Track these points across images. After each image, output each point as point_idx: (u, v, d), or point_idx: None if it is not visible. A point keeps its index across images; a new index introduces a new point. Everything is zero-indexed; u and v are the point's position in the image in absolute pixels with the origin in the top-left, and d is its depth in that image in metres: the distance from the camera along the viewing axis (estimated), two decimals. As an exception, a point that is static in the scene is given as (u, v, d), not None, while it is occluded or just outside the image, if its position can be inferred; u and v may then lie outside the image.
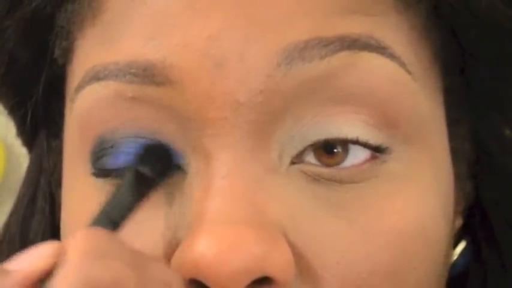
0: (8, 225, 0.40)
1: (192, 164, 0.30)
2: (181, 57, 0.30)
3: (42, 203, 0.38)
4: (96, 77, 0.31)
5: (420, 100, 0.32)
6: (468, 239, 0.37)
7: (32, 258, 0.26)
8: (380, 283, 0.30)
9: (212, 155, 0.30)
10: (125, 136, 0.31)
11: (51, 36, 0.35)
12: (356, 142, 0.30)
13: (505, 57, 0.34)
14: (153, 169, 0.30)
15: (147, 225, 0.30)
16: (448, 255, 0.35)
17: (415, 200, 0.31)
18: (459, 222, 0.37)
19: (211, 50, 0.29)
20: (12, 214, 0.40)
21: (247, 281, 0.28)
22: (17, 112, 0.38)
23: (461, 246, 0.37)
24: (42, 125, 0.38)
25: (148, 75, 0.30)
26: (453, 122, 0.34)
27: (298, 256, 0.29)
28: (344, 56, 0.30)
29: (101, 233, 0.27)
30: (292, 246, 0.29)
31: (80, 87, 0.32)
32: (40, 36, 0.35)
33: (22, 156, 0.43)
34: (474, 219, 0.37)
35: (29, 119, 0.37)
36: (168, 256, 0.29)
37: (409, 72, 0.31)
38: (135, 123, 0.31)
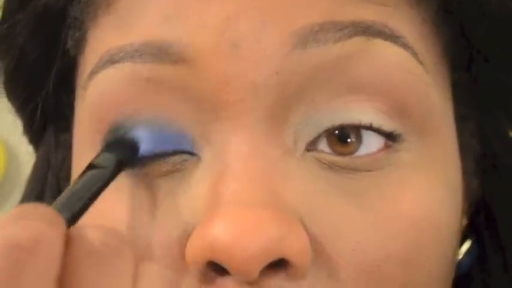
0: None
1: (207, 148, 0.30)
2: (198, 37, 0.30)
3: (50, 199, 0.38)
4: (111, 60, 0.31)
5: (432, 92, 0.32)
6: (473, 239, 0.37)
7: None
8: (394, 270, 0.30)
9: (227, 138, 0.30)
10: (139, 122, 0.31)
11: (63, 29, 0.35)
12: (369, 128, 0.30)
13: (511, 54, 0.35)
14: (107, 160, 0.30)
15: (160, 212, 0.30)
16: (456, 251, 0.35)
17: (427, 190, 0.31)
18: (464, 221, 0.37)
19: (228, 30, 0.30)
20: None
21: (265, 262, 0.28)
22: (26, 108, 0.38)
23: (467, 245, 0.37)
24: (51, 120, 0.38)
25: (164, 53, 0.30)
26: (461, 118, 0.35)
27: (313, 241, 0.29)
28: (358, 41, 0.30)
29: (29, 203, 0.26)
30: (307, 231, 0.29)
31: (93, 73, 0.32)
32: (51, 29, 0.35)
33: (22, 156, 0.42)
34: (479, 219, 0.37)
35: (38, 114, 0.37)
36: (183, 241, 0.29)
37: (422, 63, 0.32)
38: (150, 108, 0.31)
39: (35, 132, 0.39)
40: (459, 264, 0.36)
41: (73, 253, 0.25)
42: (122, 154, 0.31)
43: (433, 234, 0.31)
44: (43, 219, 0.25)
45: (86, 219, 0.28)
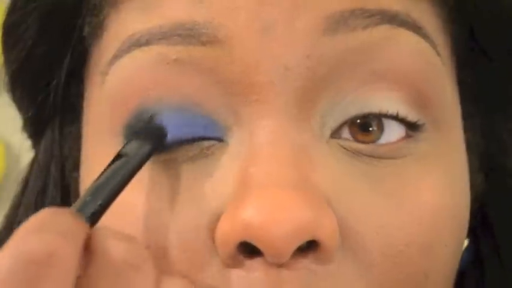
0: (15, 214, 0.39)
1: (234, 133, 0.31)
2: (229, 18, 0.30)
3: (53, 192, 0.38)
4: (137, 43, 0.31)
5: (447, 84, 0.33)
6: (470, 237, 0.38)
7: None
8: (415, 255, 0.30)
9: (256, 122, 0.30)
10: (167, 106, 0.31)
11: (79, 17, 0.34)
12: (395, 118, 0.31)
13: None
14: (136, 148, 0.30)
15: (186, 198, 0.30)
16: (463, 245, 0.35)
17: (444, 180, 0.32)
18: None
19: (261, 13, 0.30)
20: (19, 205, 0.39)
21: (298, 243, 0.28)
22: (34, 100, 0.37)
23: (464, 244, 0.37)
24: (58, 112, 0.37)
25: (195, 34, 0.30)
26: (466, 115, 0.36)
27: (340, 225, 0.29)
28: (385, 29, 0.31)
29: (48, 210, 0.27)
30: (335, 214, 0.29)
31: (116, 57, 0.32)
32: (66, 18, 0.34)
33: (22, 156, 0.42)
34: (475, 218, 0.38)
35: (48, 105, 0.36)
36: (212, 226, 0.29)
37: (439, 55, 0.33)
38: (178, 91, 0.31)
39: (39, 126, 0.38)
40: (458, 262, 0.36)
41: (93, 268, 0.25)
42: (150, 141, 0.30)
43: (450, 223, 0.32)
44: (60, 232, 0.25)
45: (112, 208, 0.28)
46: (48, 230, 0.25)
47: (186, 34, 0.30)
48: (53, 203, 0.38)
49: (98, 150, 0.33)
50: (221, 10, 0.30)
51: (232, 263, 0.29)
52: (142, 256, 0.27)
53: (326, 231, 0.28)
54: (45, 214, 0.26)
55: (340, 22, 0.30)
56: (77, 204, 0.28)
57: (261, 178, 0.29)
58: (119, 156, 0.30)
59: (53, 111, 0.37)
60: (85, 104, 0.35)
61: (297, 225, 0.27)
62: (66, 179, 0.38)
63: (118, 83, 0.32)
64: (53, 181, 0.38)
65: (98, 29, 0.34)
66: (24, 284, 0.24)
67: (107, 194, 0.28)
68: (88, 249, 0.26)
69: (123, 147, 0.30)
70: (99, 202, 0.28)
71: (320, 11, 0.30)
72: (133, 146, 0.30)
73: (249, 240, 0.28)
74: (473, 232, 0.38)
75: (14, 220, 0.39)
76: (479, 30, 0.35)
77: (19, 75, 0.37)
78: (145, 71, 0.31)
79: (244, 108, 0.30)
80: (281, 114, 0.30)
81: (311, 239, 0.28)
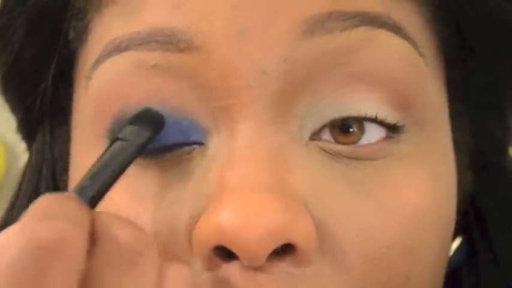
0: (9, 216, 0.40)
1: (214, 136, 0.31)
2: (207, 24, 0.30)
3: (45, 194, 0.38)
4: (117, 48, 0.31)
5: (431, 85, 0.33)
6: (463, 236, 0.38)
7: None
8: (396, 257, 0.30)
9: (234, 126, 0.30)
10: None
11: (64, 21, 0.35)
12: (374, 120, 0.31)
13: (505, 55, 0.36)
14: (135, 134, 0.30)
15: (167, 199, 0.30)
16: (450, 245, 0.35)
17: (427, 180, 0.32)
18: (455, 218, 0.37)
19: (237, 18, 0.30)
20: (13, 206, 0.40)
21: (272, 246, 0.28)
22: (23, 102, 0.37)
23: (456, 242, 0.37)
24: (47, 115, 0.38)
25: (172, 41, 0.30)
26: (455, 114, 0.35)
27: (318, 228, 0.29)
28: (363, 31, 0.31)
29: (53, 196, 0.26)
30: (312, 217, 0.29)
31: (98, 62, 0.32)
32: (53, 22, 0.35)
33: (22, 156, 0.43)
34: (469, 216, 0.38)
35: (36, 108, 0.37)
36: (190, 227, 0.29)
37: (422, 55, 0.32)
38: (157, 96, 0.31)
39: (30, 128, 0.39)
40: (449, 261, 0.36)
41: (99, 254, 0.25)
42: (149, 128, 0.30)
43: (433, 223, 0.32)
44: (68, 219, 0.25)
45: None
46: (57, 216, 0.25)
47: (164, 40, 0.30)
48: None
49: (84, 154, 0.34)
50: (198, 16, 0.30)
51: (209, 266, 0.29)
52: (147, 242, 0.27)
53: (301, 234, 0.28)
54: (51, 200, 0.26)
55: (317, 25, 0.30)
56: (76, 187, 0.28)
57: (237, 182, 0.29)
58: (116, 139, 0.30)
59: (42, 114, 0.38)
60: (73, 107, 0.35)
61: (271, 229, 0.28)
62: (58, 181, 0.38)
63: (100, 88, 0.32)
64: (44, 184, 0.38)
65: (83, 33, 0.34)
66: (33, 271, 0.23)
67: (106, 178, 0.28)
68: (93, 235, 0.26)
69: (120, 132, 0.30)
70: (98, 187, 0.28)
71: (297, 15, 0.30)
72: (132, 130, 0.30)
73: (223, 244, 0.28)
74: (467, 230, 0.38)
75: (8, 223, 0.39)
76: (467, 28, 0.34)
77: (9, 78, 0.37)
78: (125, 76, 0.31)
79: (223, 113, 0.30)
80: (259, 118, 0.30)
81: (286, 242, 0.28)
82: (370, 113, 0.31)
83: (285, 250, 0.29)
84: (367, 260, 0.30)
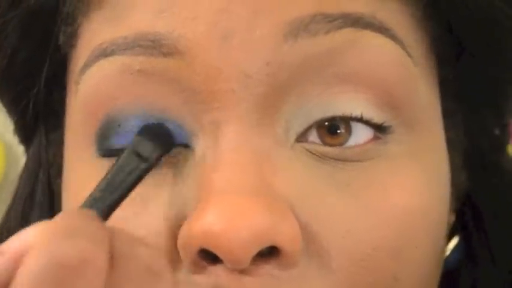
0: (6, 220, 0.40)
1: (200, 139, 0.31)
2: (190, 29, 0.30)
3: (41, 197, 0.38)
4: (103, 53, 0.32)
5: (420, 85, 0.33)
6: (460, 235, 0.38)
7: (19, 240, 0.25)
8: (384, 259, 0.30)
9: (219, 129, 0.30)
10: (133, 114, 0.31)
11: (55, 25, 0.35)
12: (360, 120, 0.31)
13: (498, 53, 0.35)
14: (148, 148, 0.30)
15: (153, 203, 0.31)
16: (444, 245, 0.35)
17: (416, 180, 0.32)
18: (452, 217, 0.37)
19: (220, 22, 0.30)
20: (10, 209, 0.40)
21: (256, 249, 0.28)
22: (17, 106, 0.38)
23: (454, 242, 0.37)
24: (41, 119, 0.38)
25: (156, 46, 0.30)
26: (448, 113, 0.35)
27: (304, 230, 0.29)
28: (347, 32, 0.31)
29: (75, 213, 0.27)
30: (297, 219, 0.29)
31: (86, 66, 0.32)
32: (44, 26, 0.35)
33: (22, 156, 0.43)
34: (466, 215, 0.38)
35: (30, 111, 0.37)
36: (176, 231, 0.30)
37: (410, 56, 0.32)
38: (143, 100, 0.31)
39: (26, 131, 0.39)
40: (447, 261, 0.36)
41: (120, 272, 0.25)
42: (161, 146, 0.31)
43: (422, 224, 0.31)
44: (91, 238, 0.25)
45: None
46: (80, 235, 0.25)
47: (147, 45, 0.31)
48: (40, 209, 0.38)
49: (74, 157, 0.34)
50: (181, 21, 0.30)
51: (195, 269, 0.29)
52: (164, 263, 0.27)
53: (286, 237, 0.28)
54: (72, 217, 0.26)
55: (300, 28, 0.30)
56: (89, 199, 0.28)
57: (221, 185, 0.29)
58: (132, 152, 0.30)
59: (36, 118, 0.38)
60: (66, 111, 0.36)
61: (255, 232, 0.28)
62: (53, 185, 0.38)
63: (87, 92, 0.32)
64: (40, 187, 0.39)
65: (73, 38, 0.34)
66: None
67: (118, 194, 0.29)
68: (111, 255, 0.26)
69: (137, 143, 0.30)
70: (109, 201, 0.28)
71: (280, 18, 0.30)
72: (148, 147, 0.30)
73: (207, 247, 0.28)
74: (464, 229, 0.38)
75: (6, 226, 0.40)
76: (458, 26, 0.34)
77: (2, 82, 0.38)
78: (111, 80, 0.31)
79: (208, 116, 0.30)
80: (243, 121, 0.30)
81: (271, 245, 0.28)
82: (355, 112, 0.31)
83: (271, 253, 0.29)
84: (353, 261, 0.30)
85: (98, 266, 0.24)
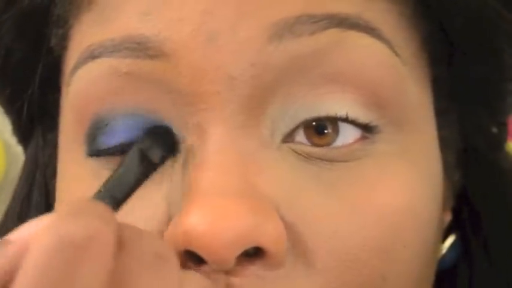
0: (5, 220, 0.40)
1: (187, 140, 0.31)
2: (175, 31, 0.30)
3: (38, 198, 0.39)
4: (91, 55, 0.32)
5: (409, 84, 0.33)
6: (457, 234, 0.38)
7: (28, 228, 0.26)
8: (371, 259, 0.30)
9: (205, 130, 0.30)
10: (121, 113, 0.32)
11: (47, 27, 0.35)
12: (345, 120, 0.31)
13: (490, 51, 0.35)
14: (157, 152, 0.31)
15: (139, 203, 0.31)
16: (437, 244, 0.35)
17: (405, 179, 0.32)
18: (448, 216, 0.37)
19: (205, 24, 0.30)
20: (8, 210, 0.40)
21: (240, 250, 0.28)
22: (13, 107, 0.38)
23: (450, 240, 0.37)
24: (37, 120, 0.39)
25: (142, 48, 0.31)
26: (441, 112, 0.35)
27: (289, 230, 0.29)
28: (332, 33, 0.31)
29: (82, 198, 0.27)
30: (283, 220, 0.29)
31: (75, 68, 0.33)
32: (37, 28, 0.35)
33: (22, 156, 0.43)
34: (462, 213, 0.38)
35: (24, 113, 0.37)
36: (162, 232, 0.30)
37: (398, 55, 0.32)
38: (131, 101, 0.31)
39: (23, 132, 0.40)
40: (443, 260, 0.36)
41: (126, 257, 0.25)
42: (167, 151, 0.31)
43: (411, 223, 0.31)
44: (98, 217, 0.25)
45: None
46: (87, 213, 0.25)
47: (134, 48, 0.31)
48: (37, 210, 0.39)
49: (66, 158, 0.34)
50: (167, 23, 0.30)
51: (182, 269, 0.29)
52: (170, 249, 0.27)
53: (270, 237, 0.28)
54: (80, 201, 0.26)
55: (285, 29, 0.30)
56: (98, 194, 0.29)
57: (206, 187, 0.29)
58: (139, 152, 0.30)
59: (32, 119, 0.38)
60: (60, 112, 0.36)
61: (238, 233, 0.28)
62: (49, 185, 0.39)
63: (77, 94, 0.33)
64: (37, 187, 0.39)
65: (64, 40, 0.35)
66: (63, 266, 0.23)
67: (125, 192, 0.29)
68: (120, 239, 0.26)
69: (143, 142, 0.31)
70: (116, 199, 0.29)
71: (264, 19, 0.30)
72: (157, 151, 0.31)
73: (190, 248, 0.28)
74: (460, 228, 0.38)
75: (4, 226, 0.40)
76: (448, 24, 0.34)
77: None
78: (100, 82, 0.32)
79: (194, 117, 0.31)
80: (228, 123, 0.30)
81: (255, 245, 0.28)
82: (341, 112, 0.31)
83: (257, 253, 0.29)
84: (340, 261, 0.30)
85: (105, 243, 0.24)
